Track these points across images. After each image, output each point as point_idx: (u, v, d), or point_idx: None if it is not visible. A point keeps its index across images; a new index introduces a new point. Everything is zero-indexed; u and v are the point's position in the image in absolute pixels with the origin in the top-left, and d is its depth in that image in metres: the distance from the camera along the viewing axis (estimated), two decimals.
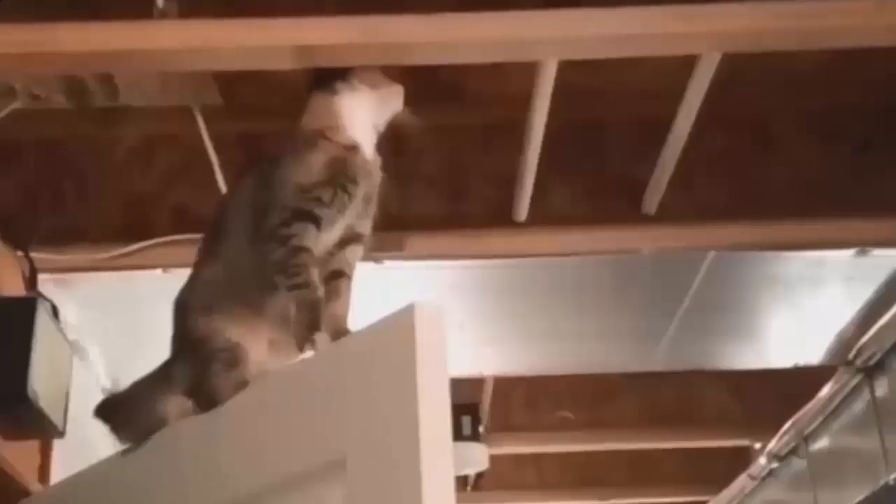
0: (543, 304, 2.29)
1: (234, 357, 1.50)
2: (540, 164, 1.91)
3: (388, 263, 2.05)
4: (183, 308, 1.59)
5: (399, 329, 1.24)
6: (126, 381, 2.61)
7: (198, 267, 1.59)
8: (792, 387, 2.93)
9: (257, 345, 1.51)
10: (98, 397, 2.60)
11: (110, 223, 2.07)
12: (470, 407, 3.14)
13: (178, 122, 2.01)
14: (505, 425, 3.26)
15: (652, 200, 1.99)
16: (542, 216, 2.02)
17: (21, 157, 2.12)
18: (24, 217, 2.06)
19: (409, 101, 1.60)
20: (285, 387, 1.43)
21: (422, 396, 1.18)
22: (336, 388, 1.32)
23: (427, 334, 1.23)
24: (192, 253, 1.95)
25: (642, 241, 2.03)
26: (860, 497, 2.65)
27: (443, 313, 1.25)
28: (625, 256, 2.11)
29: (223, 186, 1.99)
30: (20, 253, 1.96)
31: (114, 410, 1.70)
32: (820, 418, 2.87)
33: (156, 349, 2.44)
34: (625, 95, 2.04)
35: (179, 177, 2.11)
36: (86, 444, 2.28)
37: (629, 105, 2.07)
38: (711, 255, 2.08)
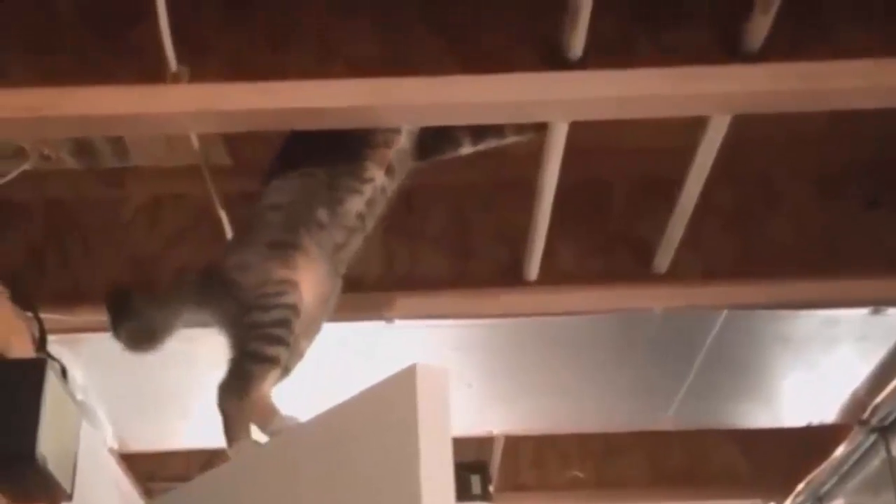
0: (553, 362, 2.28)
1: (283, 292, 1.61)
2: (549, 223, 1.91)
3: (398, 322, 2.05)
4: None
5: (401, 391, 1.23)
6: (133, 441, 2.62)
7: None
8: (802, 445, 2.89)
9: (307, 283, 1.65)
10: (106, 459, 2.60)
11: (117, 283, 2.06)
12: (479, 465, 3.11)
13: (186, 181, 2.02)
14: (514, 484, 3.22)
15: (662, 259, 1.98)
16: (551, 275, 2.01)
17: (29, 217, 2.13)
18: (31, 277, 2.06)
19: None
20: (288, 452, 1.41)
21: (424, 462, 1.17)
22: (337, 453, 1.31)
23: (429, 396, 1.21)
24: None
25: (653, 300, 2.03)
26: None
27: (446, 374, 1.24)
28: (635, 315, 2.10)
29: None
30: (29, 314, 1.96)
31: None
32: (835, 478, 2.83)
33: (163, 410, 2.44)
34: (630, 154, 2.05)
35: (186, 236, 2.11)
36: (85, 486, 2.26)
37: (635, 164, 2.07)
38: (724, 313, 2.06)
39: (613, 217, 2.07)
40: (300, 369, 2.22)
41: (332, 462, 1.32)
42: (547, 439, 3.16)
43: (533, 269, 2.00)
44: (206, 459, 2.88)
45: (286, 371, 1.68)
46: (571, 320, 2.09)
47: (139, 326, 1.75)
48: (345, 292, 1.95)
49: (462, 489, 3.12)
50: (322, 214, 1.68)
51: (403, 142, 1.73)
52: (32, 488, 1.88)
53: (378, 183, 1.71)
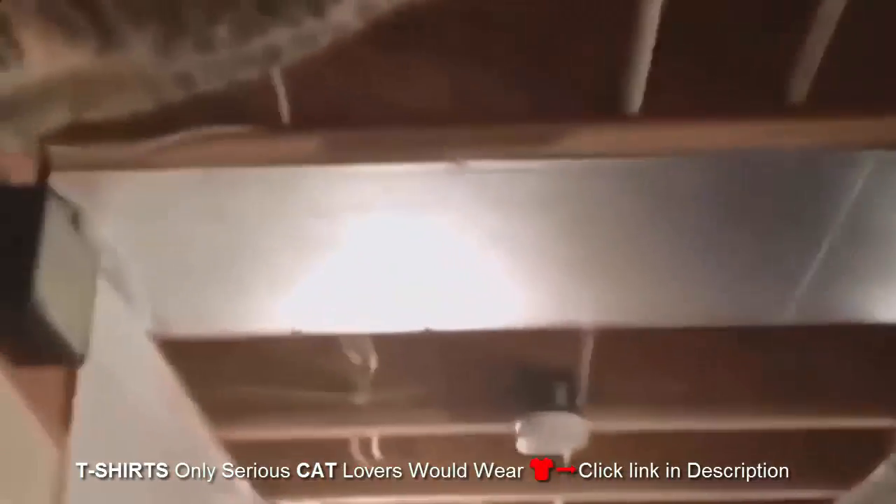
0: (654, 225, 1.90)
1: None
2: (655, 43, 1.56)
3: (471, 165, 1.70)
4: None
5: None
6: (175, 323, 2.34)
7: None
8: None
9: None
10: (145, 345, 2.33)
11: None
12: (565, 373, 2.79)
13: None
14: (604, 396, 2.88)
15: (799, 86, 1.61)
16: (655, 107, 1.65)
17: None
18: None
19: None
20: None
21: None
22: None
23: None
24: (237, 150, 1.66)
25: (784, 135, 1.65)
26: None
27: None
28: (756, 165, 1.73)
29: None
30: None
31: None
32: None
33: (201, 269, 2.12)
34: None
35: None
36: (115, 381, 2.03)
37: None
38: (872, 160, 1.66)
39: (734, 33, 1.68)
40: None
41: None
42: (642, 348, 2.82)
43: (635, 100, 1.64)
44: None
45: None
46: (677, 165, 1.72)
47: None
48: (403, 126, 1.65)
49: (545, 398, 2.81)
50: None
51: None
52: (35, 347, 1.64)
53: None
